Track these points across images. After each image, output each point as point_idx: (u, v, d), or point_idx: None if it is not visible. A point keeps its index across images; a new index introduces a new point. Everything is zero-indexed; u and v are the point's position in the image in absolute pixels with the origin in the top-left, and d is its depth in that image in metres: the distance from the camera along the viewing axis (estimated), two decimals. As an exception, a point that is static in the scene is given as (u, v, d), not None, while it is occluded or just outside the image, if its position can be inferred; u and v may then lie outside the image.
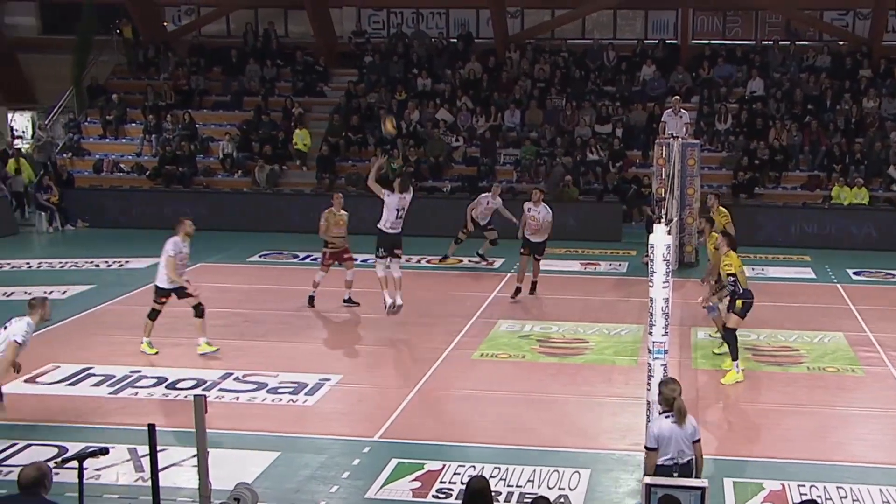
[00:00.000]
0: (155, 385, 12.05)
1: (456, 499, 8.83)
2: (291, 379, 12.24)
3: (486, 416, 11.18)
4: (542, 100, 25.93)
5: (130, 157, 26.12)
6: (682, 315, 14.67)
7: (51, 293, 16.63)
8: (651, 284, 8.57)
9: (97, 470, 9.20)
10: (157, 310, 13.22)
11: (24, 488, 6.26)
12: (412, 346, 14.03)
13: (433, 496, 9.02)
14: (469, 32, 28.63)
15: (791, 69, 26.05)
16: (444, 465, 9.61)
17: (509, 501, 8.95)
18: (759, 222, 21.53)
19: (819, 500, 8.93)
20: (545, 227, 16.07)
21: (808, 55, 26.41)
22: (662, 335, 8.60)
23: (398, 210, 14.28)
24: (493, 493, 6.91)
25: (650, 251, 8.65)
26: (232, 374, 12.43)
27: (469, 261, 19.20)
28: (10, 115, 30.40)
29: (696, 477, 7.68)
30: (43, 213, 23.30)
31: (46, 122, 27.97)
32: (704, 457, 7.94)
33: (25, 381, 12.06)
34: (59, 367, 12.60)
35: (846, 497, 9.09)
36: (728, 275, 12.04)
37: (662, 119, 20.52)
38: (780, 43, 26.89)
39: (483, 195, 19.11)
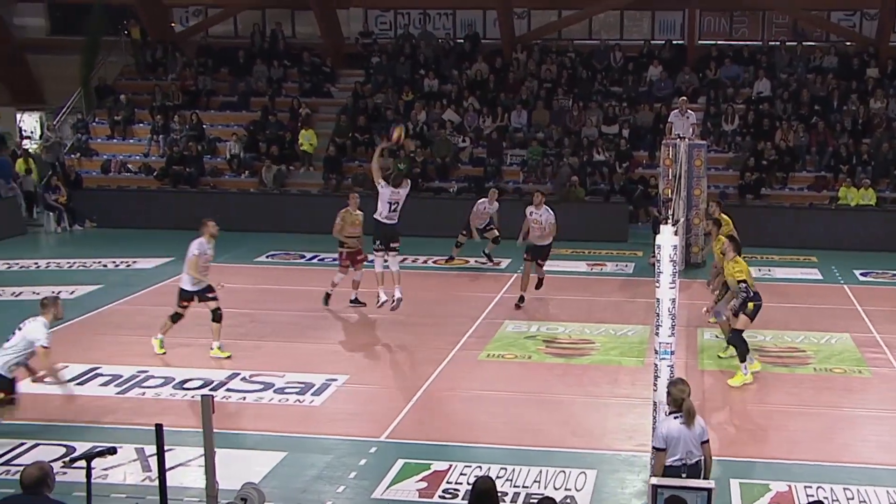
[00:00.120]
0: (162, 385, 12.09)
1: (462, 499, 8.85)
2: (298, 379, 12.27)
3: (493, 417, 11.19)
4: (549, 100, 25.92)
5: (138, 158, 26.17)
6: (689, 316, 14.66)
7: (59, 293, 16.61)
8: (658, 285, 8.57)
9: (105, 469, 9.26)
10: (180, 313, 13.19)
11: (27, 488, 6.29)
12: (418, 346, 14.03)
13: (439, 496, 9.04)
14: (476, 33, 28.62)
15: (798, 70, 26.00)
16: (451, 466, 9.63)
17: (515, 502, 8.96)
18: (766, 223, 21.49)
19: (826, 502, 8.94)
20: (549, 229, 15.90)
21: (815, 56, 26.36)
22: (669, 336, 8.59)
23: (390, 203, 14.34)
24: (499, 494, 6.92)
25: (657, 252, 8.64)
26: (239, 374, 12.47)
27: (476, 261, 19.21)
28: (18, 116, 30.48)
29: (705, 478, 7.69)
30: (51, 214, 23.38)
31: (55, 123, 28.03)
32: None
33: (33, 380, 12.07)
34: (66, 366, 12.53)
35: (853, 499, 9.09)
36: (739, 282, 11.99)
37: (669, 120, 20.51)
38: (787, 43, 26.84)
39: (480, 200, 19.07)
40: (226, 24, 30.27)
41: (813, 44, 27.09)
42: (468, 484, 8.99)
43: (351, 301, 15.71)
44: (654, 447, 7.95)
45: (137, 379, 12.26)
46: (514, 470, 9.54)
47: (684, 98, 21.24)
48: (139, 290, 16.96)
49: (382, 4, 29.21)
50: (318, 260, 19.59)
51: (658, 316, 8.59)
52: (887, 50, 26.17)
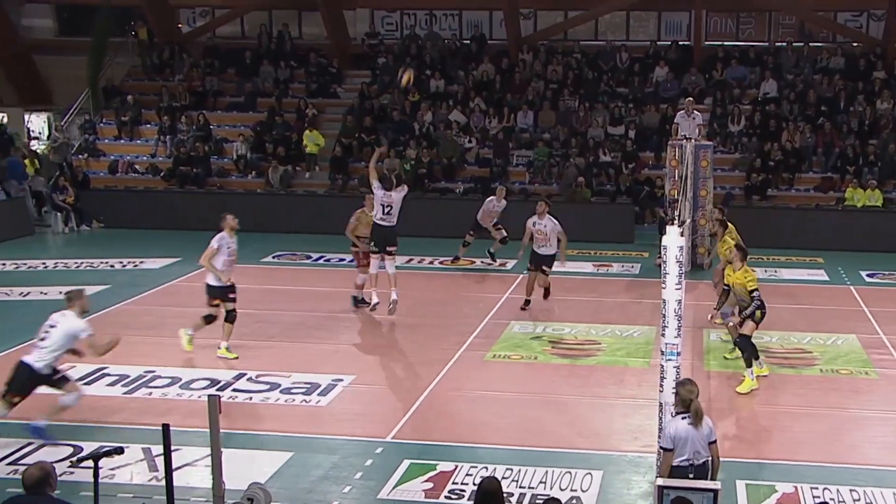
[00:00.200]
0: (169, 385, 12.12)
1: (468, 500, 8.85)
2: (304, 379, 12.29)
3: (499, 418, 11.19)
4: (555, 101, 25.93)
5: (145, 158, 26.24)
6: (695, 317, 14.65)
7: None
8: (664, 286, 8.57)
9: (112, 469, 9.28)
10: (213, 315, 13.19)
11: (29, 488, 6.32)
12: (425, 346, 14.04)
13: (445, 497, 9.05)
14: (482, 34, 28.64)
15: (804, 71, 25.98)
16: (457, 466, 9.64)
17: (521, 503, 8.96)
18: (772, 224, 21.47)
19: (832, 503, 8.94)
20: (553, 237, 15.61)
21: (821, 56, 26.33)
22: (675, 337, 8.59)
23: (383, 206, 14.38)
24: (505, 495, 6.92)
25: (663, 253, 8.65)
26: (245, 374, 12.50)
27: (481, 262, 19.21)
28: (26, 117, 30.55)
29: (713, 478, 7.69)
30: (59, 214, 23.44)
31: (63, 124, 28.11)
32: (717, 458, 7.95)
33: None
34: (73, 366, 12.60)
35: (859, 500, 9.08)
36: (752, 291, 11.92)
37: (675, 120, 20.49)
38: (794, 44, 26.82)
39: (489, 199, 19.06)
40: (233, 25, 30.33)
41: (819, 45, 27.07)
42: (474, 484, 9.00)
43: (359, 301, 15.67)
44: (661, 447, 7.96)
45: (144, 379, 12.29)
46: (519, 470, 9.55)
47: (690, 99, 21.22)
48: (146, 290, 17.01)
49: (389, 5, 29.25)
50: (325, 260, 19.62)
51: (664, 317, 8.59)
52: (894, 51, 26.13)
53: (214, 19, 30.10)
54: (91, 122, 27.49)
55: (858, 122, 24.25)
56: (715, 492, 7.05)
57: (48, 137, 29.73)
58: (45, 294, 16.82)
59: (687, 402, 7.80)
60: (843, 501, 9.05)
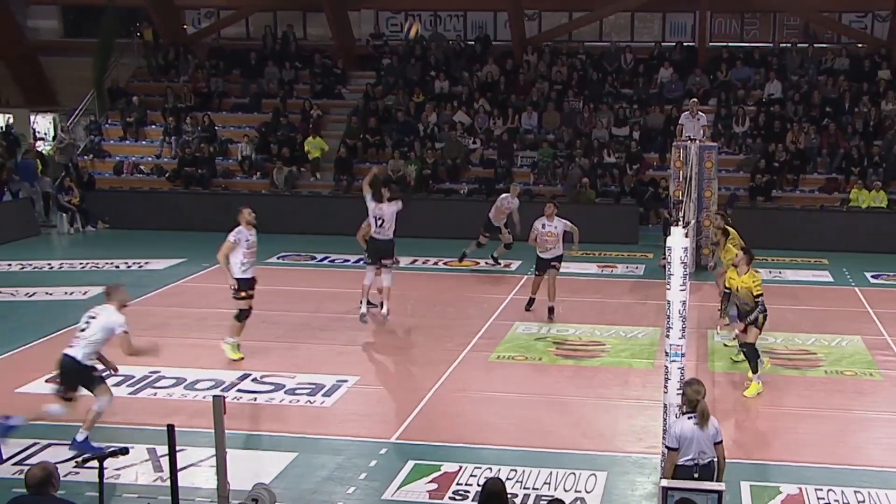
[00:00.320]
0: (174, 385, 12.13)
1: (472, 501, 8.86)
2: (309, 380, 12.30)
3: (503, 418, 11.20)
4: (560, 102, 25.93)
5: (150, 159, 26.27)
6: (700, 318, 14.65)
7: (71, 294, 16.80)
8: (668, 287, 8.57)
9: (117, 470, 9.30)
10: (245, 309, 13.00)
11: (31, 488, 6.35)
12: (429, 347, 14.05)
13: (450, 498, 9.05)
14: (486, 35, 28.66)
15: (809, 71, 25.96)
16: (461, 467, 9.65)
17: None
18: (777, 225, 21.45)
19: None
20: (561, 238, 15.20)
21: (826, 57, 26.32)
22: (679, 338, 8.59)
23: (376, 218, 14.18)
24: (509, 496, 6.93)
25: (667, 254, 8.65)
26: (250, 374, 12.51)
27: (486, 263, 19.21)
28: (32, 118, 30.61)
29: (718, 479, 7.70)
30: (64, 215, 23.48)
31: (68, 124, 28.17)
32: (722, 459, 7.95)
33: (47, 380, 12.16)
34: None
35: (864, 501, 9.08)
36: (757, 296, 11.78)
37: (680, 121, 20.48)
38: (798, 45, 26.79)
39: (502, 196, 19.00)
40: (238, 26, 30.39)
41: (824, 45, 27.05)
42: (478, 485, 8.99)
43: (369, 302, 15.53)
44: (666, 446, 7.98)
45: (149, 379, 12.29)
46: (524, 471, 9.55)
47: (695, 100, 21.21)
48: (151, 290, 17.03)
49: (393, 6, 29.27)
50: (329, 261, 19.63)
51: (668, 318, 8.59)
52: (899, 52, 26.11)
53: (219, 20, 30.15)
54: (96, 123, 27.55)
55: (863, 122, 24.22)
56: (719, 493, 7.06)
57: (53, 138, 29.78)
58: (51, 295, 16.87)
59: (693, 403, 7.81)
60: (848, 503, 9.04)
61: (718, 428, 7.85)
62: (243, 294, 12.97)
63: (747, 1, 27.18)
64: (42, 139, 30.34)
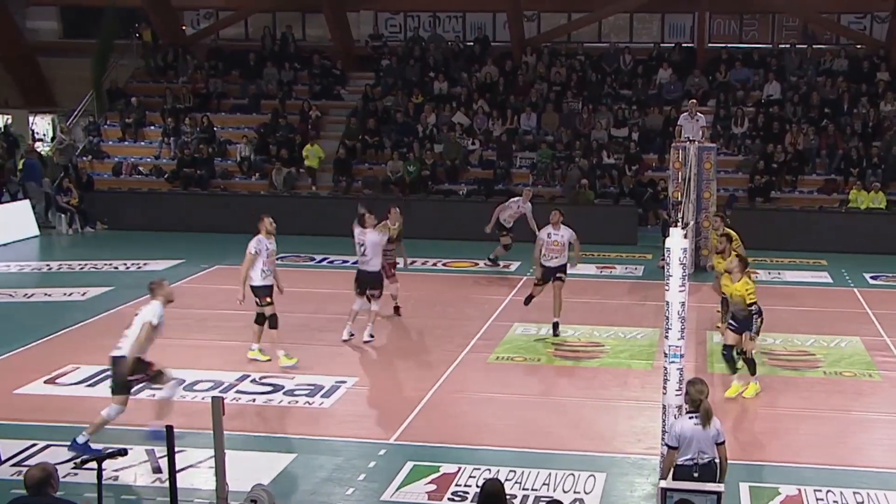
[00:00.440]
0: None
1: (471, 502, 8.85)
2: (308, 381, 12.30)
3: (502, 419, 11.20)
4: (559, 103, 25.93)
5: (149, 160, 26.26)
6: (699, 319, 14.65)
7: (70, 295, 16.79)
8: (667, 288, 8.57)
9: (115, 471, 9.28)
10: (262, 314, 12.92)
11: (30, 489, 6.34)
12: (428, 348, 14.05)
13: (448, 499, 9.04)
14: (485, 36, 28.66)
15: (808, 72, 25.96)
16: (460, 468, 9.64)
17: (524, 504, 8.98)
18: (776, 226, 21.45)
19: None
20: (567, 246, 14.49)
21: (825, 58, 26.33)
22: (678, 339, 8.60)
23: (358, 244, 13.87)
24: (508, 497, 6.92)
25: (666, 255, 8.65)
26: (249, 376, 12.50)
27: (484, 264, 19.21)
28: (30, 119, 30.60)
29: (720, 479, 7.69)
30: (63, 216, 23.46)
31: (68, 125, 28.14)
32: (722, 460, 7.95)
33: (45, 381, 12.19)
34: (78, 367, 12.69)
35: (863, 502, 9.07)
36: (751, 304, 11.55)
37: (679, 122, 20.49)
38: (797, 46, 26.81)
39: (514, 199, 18.91)
40: (236, 27, 30.39)
41: (823, 46, 27.07)
42: (477, 486, 8.98)
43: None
44: (666, 444, 8.00)
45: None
46: (522, 472, 9.54)
47: (694, 101, 21.22)
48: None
49: (392, 7, 29.27)
50: (328, 262, 19.62)
51: (667, 319, 8.59)
52: (898, 53, 26.11)
53: (218, 21, 30.15)
54: (95, 124, 27.53)
55: (862, 123, 24.23)
56: (718, 494, 7.05)
57: (52, 139, 29.77)
58: (49, 296, 16.86)
59: (696, 402, 7.81)
60: (847, 504, 9.05)
61: (720, 429, 7.85)
62: (268, 300, 12.87)
63: (746, 2, 27.19)
64: (41, 140, 30.30)
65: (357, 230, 13.95)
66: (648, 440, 10.12)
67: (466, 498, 9.00)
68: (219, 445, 7.04)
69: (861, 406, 11.82)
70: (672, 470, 7.81)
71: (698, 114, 20.31)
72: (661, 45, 27.64)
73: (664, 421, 8.69)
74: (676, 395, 8.60)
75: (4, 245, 21.33)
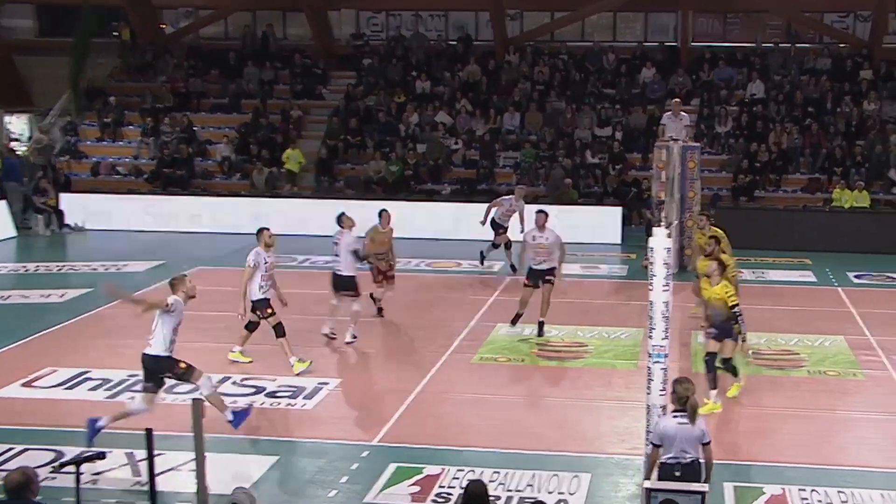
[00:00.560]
0: (153, 389, 11.96)
1: (455, 503, 8.78)
2: (289, 383, 12.19)
3: (486, 420, 11.12)
4: (542, 102, 25.89)
5: (128, 160, 26.04)
6: (683, 319, 14.59)
7: (48, 297, 16.61)
8: (651, 288, 8.53)
9: (94, 474, 9.13)
10: (278, 323, 12.63)
11: (10, 493, 6.25)
12: (411, 349, 13.97)
13: (432, 501, 8.97)
14: (468, 35, 28.60)
15: (791, 72, 26.03)
16: (444, 470, 9.57)
17: (509, 506, 8.91)
18: (760, 225, 21.45)
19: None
20: (555, 249, 14.23)
21: (808, 58, 26.40)
22: (663, 339, 8.55)
23: (335, 244, 13.73)
24: (491, 498, 6.87)
25: (650, 254, 8.60)
26: (230, 377, 12.38)
27: (469, 264, 19.14)
28: (7, 118, 30.31)
29: (706, 479, 7.65)
30: (40, 216, 23.23)
31: (46, 125, 27.86)
32: (707, 460, 7.90)
33: (23, 385, 12.03)
34: (55, 370, 12.54)
35: (847, 501, 9.05)
36: (733, 307, 11.27)
37: (662, 122, 20.43)
38: (781, 45, 26.87)
39: (506, 197, 18.77)
40: (216, 26, 30.20)
41: (806, 46, 27.14)
42: (461, 488, 8.91)
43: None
44: (650, 442, 7.99)
45: (127, 383, 12.13)
46: (506, 474, 9.47)
47: (677, 100, 21.15)
48: (129, 293, 16.75)
49: (374, 6, 29.16)
50: (310, 263, 19.50)
51: (651, 319, 8.54)
52: (881, 52, 26.21)
53: (198, 20, 29.94)
54: (73, 124, 27.26)
55: (845, 122, 24.31)
56: (702, 494, 7.04)
57: (29, 139, 29.50)
58: (27, 297, 16.68)
59: (683, 400, 7.77)
60: (831, 503, 9.00)
61: (705, 429, 7.80)
62: (269, 311, 12.66)
63: (729, 1, 27.22)
64: (17, 140, 30.02)
65: (336, 230, 13.84)
66: (632, 440, 10.06)
67: (450, 499, 8.92)
68: (199, 448, 6.95)
69: (845, 405, 11.81)
70: (656, 468, 7.78)
71: (682, 113, 20.24)
72: (645, 44, 27.67)
73: (648, 421, 8.64)
74: (660, 394, 8.56)
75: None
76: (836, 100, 24.98)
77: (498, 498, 8.91)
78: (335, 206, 15.98)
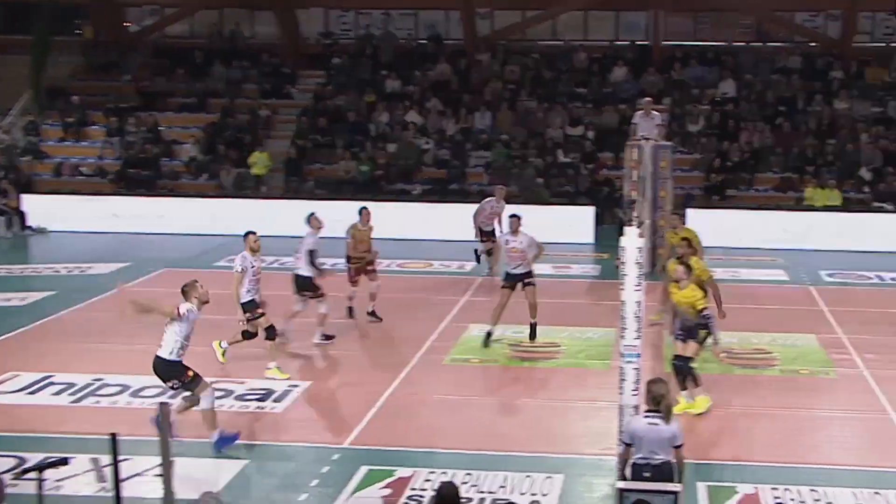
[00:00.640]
0: (118, 393, 11.82)
1: (427, 506, 8.68)
2: (259, 386, 12.06)
3: (458, 422, 11.07)
4: (513, 102, 25.84)
5: (92, 161, 25.67)
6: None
7: (9, 300, 16.34)
8: (623, 287, 8.48)
9: (57, 481, 8.96)
10: (270, 325, 12.50)
11: None
12: (382, 351, 13.88)
13: (404, 503, 8.88)
14: (438, 34, 28.52)
15: (763, 71, 26.12)
16: (415, 472, 9.49)
17: (481, 508, 8.82)
18: (732, 224, 21.46)
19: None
20: (529, 252, 13.88)
21: (779, 57, 26.53)
22: (635, 339, 8.54)
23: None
24: (463, 500, 6.82)
25: (622, 254, 8.55)
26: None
27: (441, 265, 19.05)
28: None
29: (679, 481, 7.59)
30: (1, 218, 22.86)
31: (7, 124, 27.39)
32: (679, 461, 7.86)
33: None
34: (18, 375, 12.33)
35: (819, 500, 9.07)
36: (702, 310, 11.03)
37: (634, 121, 20.37)
38: (752, 44, 26.98)
39: (486, 200, 18.43)
40: (182, 24, 29.90)
41: (778, 45, 27.26)
42: (433, 490, 8.79)
43: (368, 313, 15.02)
44: (622, 441, 8.03)
45: (92, 387, 11.97)
46: (479, 475, 9.41)
47: (649, 99, 21.14)
48: (94, 296, 16.51)
49: (342, 4, 28.98)
50: (279, 265, 19.27)
51: (623, 319, 8.50)
52: (851, 51, 26.40)
53: (164, 18, 29.60)
54: (34, 124, 26.82)
55: (817, 121, 24.44)
56: (675, 494, 7.02)
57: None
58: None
59: (658, 399, 7.74)
60: (804, 501, 9.02)
61: (677, 432, 7.76)
62: (259, 311, 12.51)
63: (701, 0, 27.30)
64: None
65: (306, 230, 13.73)
66: (606, 441, 9.97)
67: (422, 502, 8.84)
68: (166, 452, 6.80)
69: (817, 404, 11.85)
70: (629, 468, 7.78)
71: (654, 112, 20.22)
72: (616, 43, 27.69)
73: (621, 421, 8.59)
74: (633, 394, 8.56)
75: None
76: (807, 99, 25.12)
77: (470, 500, 8.84)
78: (305, 207, 15.80)
